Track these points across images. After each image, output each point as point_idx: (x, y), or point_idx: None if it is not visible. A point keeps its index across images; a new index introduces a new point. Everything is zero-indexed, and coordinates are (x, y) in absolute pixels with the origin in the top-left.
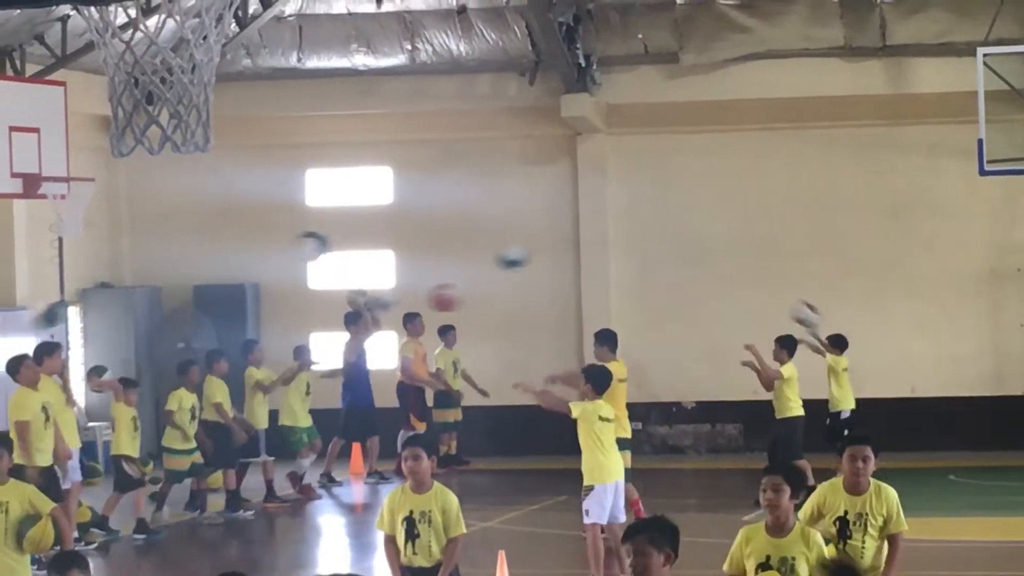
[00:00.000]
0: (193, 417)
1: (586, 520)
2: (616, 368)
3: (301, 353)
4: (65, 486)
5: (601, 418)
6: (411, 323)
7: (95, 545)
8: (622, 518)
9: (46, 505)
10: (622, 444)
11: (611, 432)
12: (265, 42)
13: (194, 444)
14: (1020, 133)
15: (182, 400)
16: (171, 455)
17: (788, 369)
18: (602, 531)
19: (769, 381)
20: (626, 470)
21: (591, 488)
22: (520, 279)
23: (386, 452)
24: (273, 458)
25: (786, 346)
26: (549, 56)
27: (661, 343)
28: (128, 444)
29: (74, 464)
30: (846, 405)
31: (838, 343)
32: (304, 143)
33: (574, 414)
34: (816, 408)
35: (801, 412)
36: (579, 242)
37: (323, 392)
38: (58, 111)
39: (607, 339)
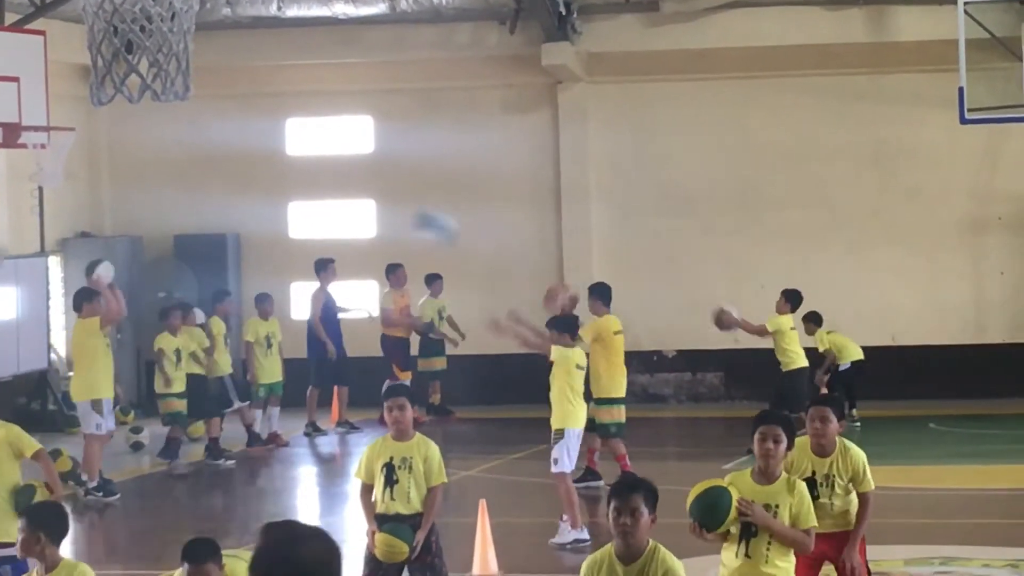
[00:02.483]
0: (179, 360)
1: (554, 469)
2: (611, 322)
3: (261, 302)
4: (100, 433)
5: (577, 366)
6: (393, 273)
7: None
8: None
9: (30, 447)
10: (617, 400)
11: (582, 381)
12: None
13: (184, 388)
14: (1001, 81)
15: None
16: (166, 399)
17: (776, 322)
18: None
19: (758, 332)
20: (618, 424)
21: (562, 432)
22: (502, 228)
23: (364, 402)
24: (248, 403)
25: (790, 299)
26: (529, 4)
27: (642, 292)
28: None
29: (108, 411)
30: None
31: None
32: (284, 92)
33: (552, 356)
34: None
35: (805, 363)
36: (560, 191)
37: (294, 342)
38: (38, 60)
39: (601, 293)
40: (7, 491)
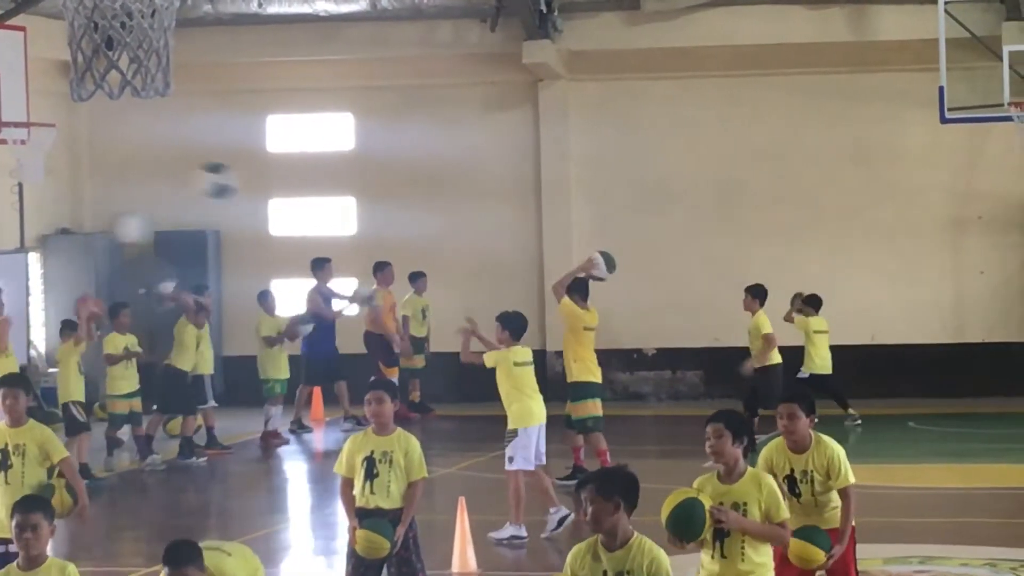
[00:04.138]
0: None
1: (510, 467)
2: (587, 317)
3: (264, 299)
4: None
5: (516, 363)
6: (381, 271)
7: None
8: (543, 460)
9: (59, 452)
10: (592, 390)
11: (530, 376)
12: None
13: (136, 388)
14: (981, 81)
15: (116, 343)
16: (112, 399)
17: (761, 319)
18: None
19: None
20: (597, 418)
21: (515, 433)
22: (482, 226)
23: (356, 398)
24: (217, 405)
25: (757, 295)
26: (510, 2)
27: (622, 290)
28: (75, 389)
29: None
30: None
31: (812, 303)
32: (265, 89)
33: (488, 364)
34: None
35: (779, 360)
36: (540, 188)
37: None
38: (18, 56)
39: (577, 288)
40: (32, 490)
